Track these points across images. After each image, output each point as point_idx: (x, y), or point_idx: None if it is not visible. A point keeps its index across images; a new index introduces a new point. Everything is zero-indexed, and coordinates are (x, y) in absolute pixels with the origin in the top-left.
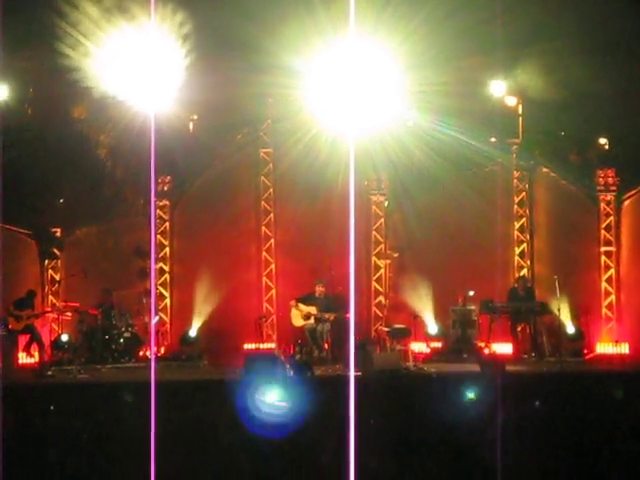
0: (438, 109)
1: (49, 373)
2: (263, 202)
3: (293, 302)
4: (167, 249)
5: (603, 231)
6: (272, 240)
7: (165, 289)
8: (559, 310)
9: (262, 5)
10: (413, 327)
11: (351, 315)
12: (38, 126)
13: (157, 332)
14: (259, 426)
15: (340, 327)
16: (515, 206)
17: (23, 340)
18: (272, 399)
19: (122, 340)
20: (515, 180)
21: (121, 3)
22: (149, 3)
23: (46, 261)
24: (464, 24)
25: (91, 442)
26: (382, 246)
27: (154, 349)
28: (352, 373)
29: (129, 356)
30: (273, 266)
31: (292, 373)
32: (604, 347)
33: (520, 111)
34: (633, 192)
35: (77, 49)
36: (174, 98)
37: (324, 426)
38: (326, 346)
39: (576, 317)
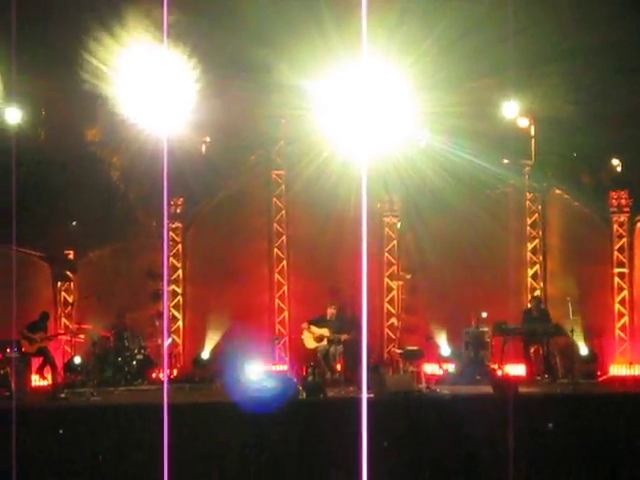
0: (450, 130)
1: (62, 395)
2: (275, 224)
3: (305, 324)
4: (180, 271)
5: (616, 252)
6: (284, 262)
7: (178, 311)
8: (572, 332)
9: (274, 26)
10: (426, 349)
11: (363, 337)
12: (51, 148)
13: (170, 354)
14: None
15: (352, 349)
16: (528, 227)
17: (36, 362)
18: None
19: (135, 362)
20: (528, 202)
21: (134, 27)
22: (162, 26)
23: (59, 283)
24: (476, 45)
25: (104, 464)
26: (395, 267)
27: (167, 371)
28: (364, 395)
29: (142, 378)
30: (285, 288)
31: (305, 395)
32: (618, 369)
33: (532, 132)
34: None
35: (90, 72)
36: (187, 120)
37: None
38: (339, 368)
39: (589, 339)
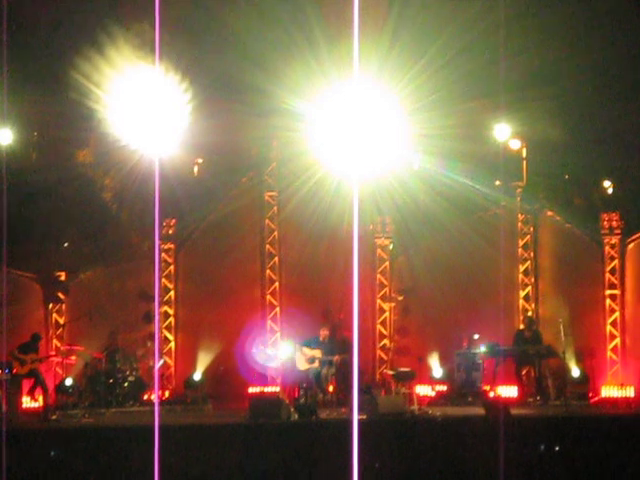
0: (443, 152)
1: (53, 417)
2: (268, 245)
3: (297, 346)
4: (172, 292)
5: (608, 274)
6: (277, 283)
7: (170, 332)
8: (564, 353)
9: (267, 49)
10: (418, 370)
11: (354, 358)
12: (43, 170)
13: (162, 376)
14: None
15: (345, 370)
16: (520, 249)
17: (27, 384)
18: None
19: (126, 384)
20: (520, 223)
21: (126, 50)
22: (154, 49)
23: (50, 305)
24: (468, 67)
25: None
26: (387, 289)
27: (158, 393)
28: (356, 416)
29: (133, 400)
30: (278, 309)
31: (297, 416)
32: (609, 390)
33: (524, 155)
34: (637, 235)
35: (82, 94)
36: (179, 142)
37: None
38: (331, 389)
39: (581, 360)
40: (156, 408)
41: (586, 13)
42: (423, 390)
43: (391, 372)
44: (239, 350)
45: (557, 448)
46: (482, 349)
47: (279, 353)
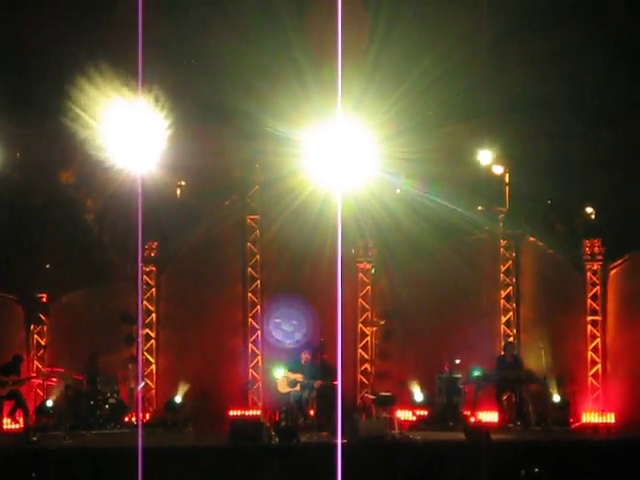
0: (425, 176)
1: (34, 439)
2: (249, 268)
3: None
4: (153, 315)
5: (589, 300)
6: (258, 307)
7: (151, 355)
8: (545, 379)
9: (250, 73)
10: (399, 395)
11: (338, 382)
12: (25, 191)
13: (143, 398)
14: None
15: (326, 394)
16: (502, 274)
17: (8, 406)
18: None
19: (107, 406)
20: (502, 249)
21: (109, 71)
22: (137, 71)
23: (32, 326)
24: (450, 91)
25: None
26: (368, 313)
27: (141, 415)
28: (339, 441)
29: (114, 422)
30: (259, 332)
31: (278, 440)
32: (590, 416)
33: (507, 180)
34: (619, 262)
35: (66, 114)
36: (162, 164)
37: None
38: (312, 413)
39: (562, 386)
40: (139, 430)
41: (568, 37)
42: (404, 414)
43: (372, 396)
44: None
45: (537, 470)
46: (475, 373)
47: (296, 330)
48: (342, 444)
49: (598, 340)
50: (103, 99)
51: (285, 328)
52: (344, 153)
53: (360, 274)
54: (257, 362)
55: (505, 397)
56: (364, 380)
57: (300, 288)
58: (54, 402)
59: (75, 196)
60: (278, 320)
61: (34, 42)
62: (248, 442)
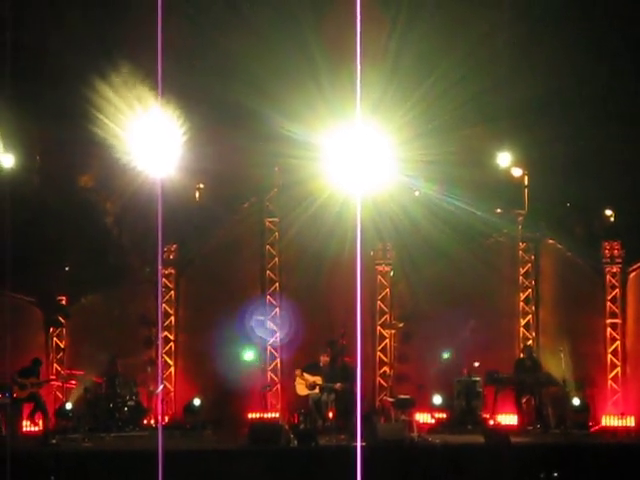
0: (444, 179)
1: (53, 441)
2: (268, 271)
3: (298, 371)
4: (172, 317)
5: (609, 303)
6: (277, 309)
7: (170, 358)
8: (564, 382)
9: (268, 75)
10: (418, 398)
11: (358, 385)
12: (44, 194)
13: (161, 401)
14: None
15: (345, 397)
16: (521, 277)
17: (27, 408)
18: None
19: (126, 409)
20: (521, 251)
21: (128, 74)
22: (156, 74)
23: (51, 329)
24: (470, 93)
25: None
26: (387, 316)
27: (161, 418)
28: (359, 444)
29: (133, 425)
30: (278, 335)
31: (297, 443)
32: (610, 420)
33: (526, 182)
34: (639, 264)
35: (84, 118)
36: (180, 167)
37: None
38: (330, 416)
39: (581, 389)
40: (159, 433)
41: (588, 39)
42: (423, 417)
43: (391, 399)
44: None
45: (556, 473)
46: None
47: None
48: (361, 447)
49: (618, 343)
50: (121, 102)
51: (268, 326)
52: (363, 156)
53: (379, 277)
54: (276, 364)
55: (524, 400)
56: (383, 383)
57: (319, 291)
58: (73, 405)
59: (94, 199)
60: (261, 317)
61: (52, 45)
62: (267, 445)
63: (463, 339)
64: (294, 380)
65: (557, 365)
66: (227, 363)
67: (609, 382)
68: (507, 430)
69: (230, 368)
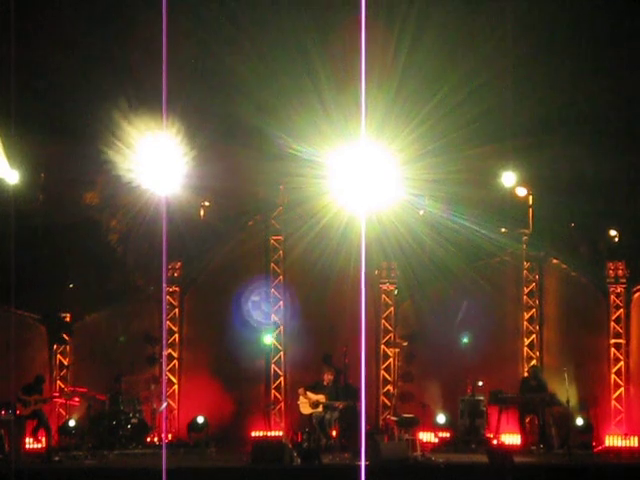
0: (449, 198)
1: (56, 458)
2: (273, 289)
3: (301, 390)
4: (176, 335)
5: (613, 323)
6: (281, 327)
7: (173, 375)
8: (568, 402)
9: (273, 95)
10: (421, 417)
11: (362, 404)
12: (49, 211)
13: (165, 418)
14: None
15: (348, 416)
16: (525, 296)
17: (31, 425)
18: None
19: (129, 426)
20: (525, 271)
21: (134, 93)
22: (161, 93)
23: (55, 346)
24: (475, 113)
25: None
26: (391, 335)
27: (164, 435)
28: (362, 462)
29: (136, 442)
30: (282, 353)
31: (300, 461)
32: (613, 440)
33: (530, 202)
34: None
35: (90, 136)
36: (185, 185)
37: None
38: (334, 434)
39: (585, 409)
40: (163, 450)
41: (593, 60)
42: (426, 437)
43: (394, 418)
44: None
45: None
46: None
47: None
48: (364, 466)
49: (621, 363)
50: (127, 121)
51: (264, 307)
52: (368, 175)
53: (383, 295)
54: (280, 383)
55: (528, 420)
56: (386, 402)
57: (323, 309)
58: (76, 422)
59: (99, 217)
60: (256, 298)
61: (58, 64)
62: (270, 463)
63: (458, 320)
64: (297, 399)
65: (561, 385)
66: (230, 380)
67: (613, 402)
68: (510, 450)
69: (233, 385)
